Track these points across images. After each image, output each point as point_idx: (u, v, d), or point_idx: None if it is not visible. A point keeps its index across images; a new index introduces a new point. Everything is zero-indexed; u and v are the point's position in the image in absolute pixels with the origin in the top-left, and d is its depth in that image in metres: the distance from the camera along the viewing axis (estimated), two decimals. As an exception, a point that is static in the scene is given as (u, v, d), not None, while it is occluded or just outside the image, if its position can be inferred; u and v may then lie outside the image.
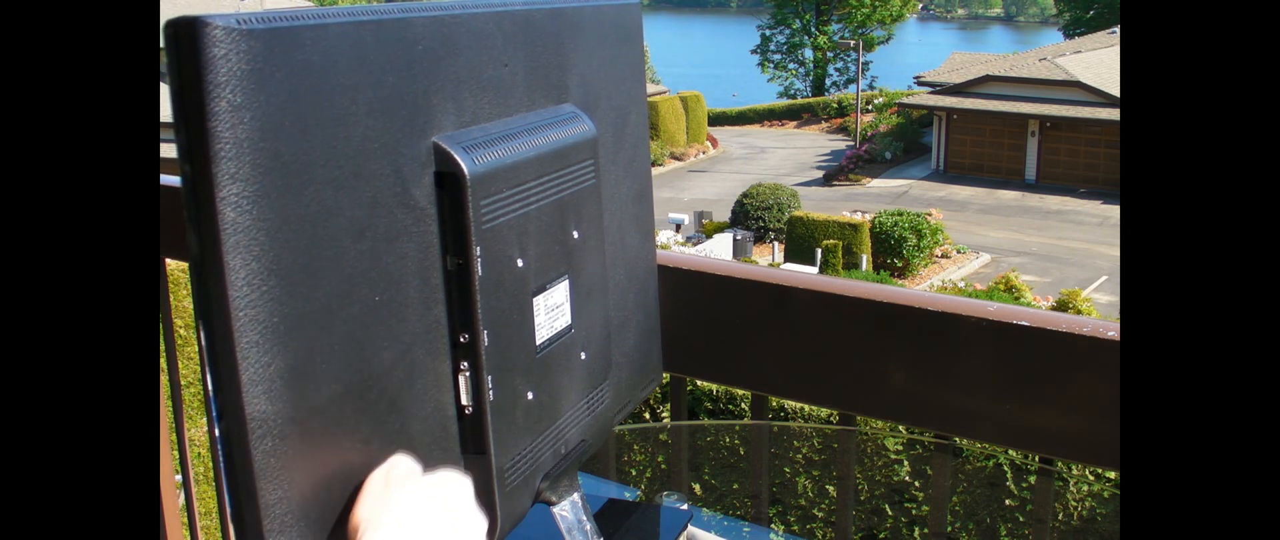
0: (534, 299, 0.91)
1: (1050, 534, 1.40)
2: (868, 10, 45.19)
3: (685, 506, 1.24)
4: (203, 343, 0.67)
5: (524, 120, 0.92)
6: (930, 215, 23.39)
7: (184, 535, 2.14)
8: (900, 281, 20.88)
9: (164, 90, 0.57)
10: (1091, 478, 6.35)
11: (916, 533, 6.60)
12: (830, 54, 46.80)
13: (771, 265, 8.55)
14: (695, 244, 22.63)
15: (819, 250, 21.20)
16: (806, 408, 5.95)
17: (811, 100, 43.31)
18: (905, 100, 34.50)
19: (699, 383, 6.52)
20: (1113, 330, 1.13)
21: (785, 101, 44.51)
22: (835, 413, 1.40)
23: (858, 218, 22.80)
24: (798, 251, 21.69)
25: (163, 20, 0.65)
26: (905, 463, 6.65)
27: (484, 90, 0.88)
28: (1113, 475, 6.07)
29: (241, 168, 0.65)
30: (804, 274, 1.37)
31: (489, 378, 0.85)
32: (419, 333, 0.81)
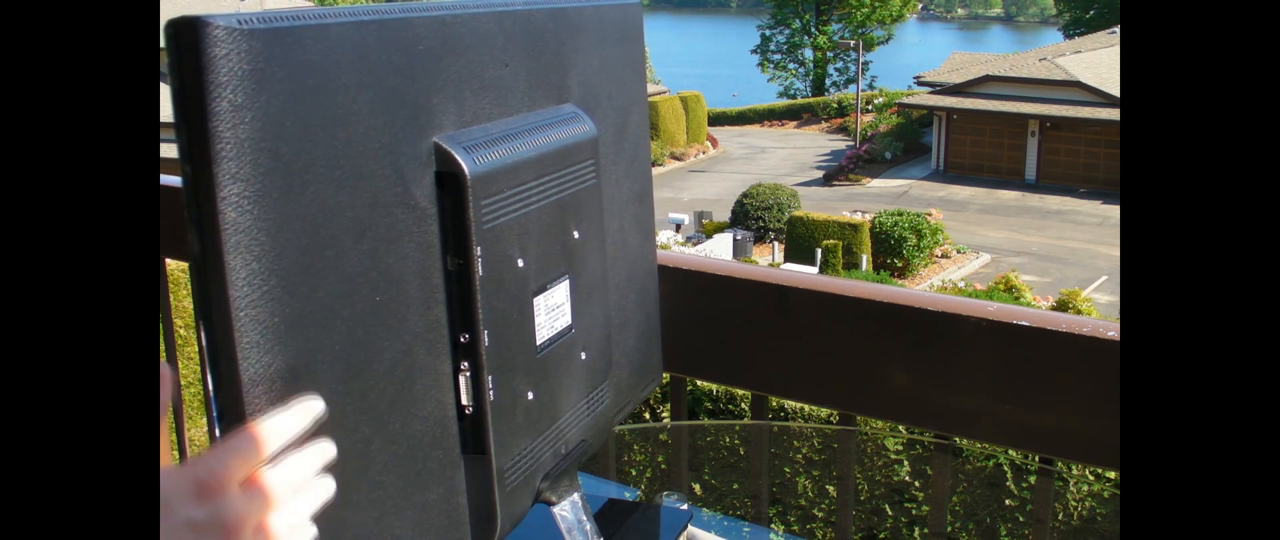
0: (534, 299, 0.91)
1: (1050, 534, 1.40)
2: (867, 10, 45.16)
3: (685, 506, 1.24)
4: (203, 343, 0.67)
5: (525, 120, 0.92)
6: (930, 215, 23.37)
7: (184, 535, 2.13)
8: (900, 281, 20.87)
9: (164, 90, 0.57)
10: (1091, 478, 6.35)
11: (916, 533, 6.59)
12: (830, 54, 46.77)
13: (771, 265, 8.54)
14: (695, 244, 22.62)
15: (819, 250, 21.19)
16: (806, 408, 5.95)
17: (811, 100, 43.29)
18: (905, 100, 34.48)
19: (699, 383, 6.52)
20: (1113, 330, 1.13)
21: (785, 101, 44.49)
22: (835, 413, 1.40)
23: (858, 218, 22.79)
24: (798, 251, 21.68)
25: (163, 20, 0.65)
26: (905, 463, 6.65)
27: (485, 90, 0.88)
28: (1113, 475, 6.07)
29: (242, 168, 0.65)
30: (804, 274, 1.37)
31: (489, 378, 0.85)
32: (419, 333, 0.81)
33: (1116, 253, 19.85)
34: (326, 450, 0.72)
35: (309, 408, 0.70)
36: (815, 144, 37.23)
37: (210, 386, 0.68)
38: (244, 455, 0.67)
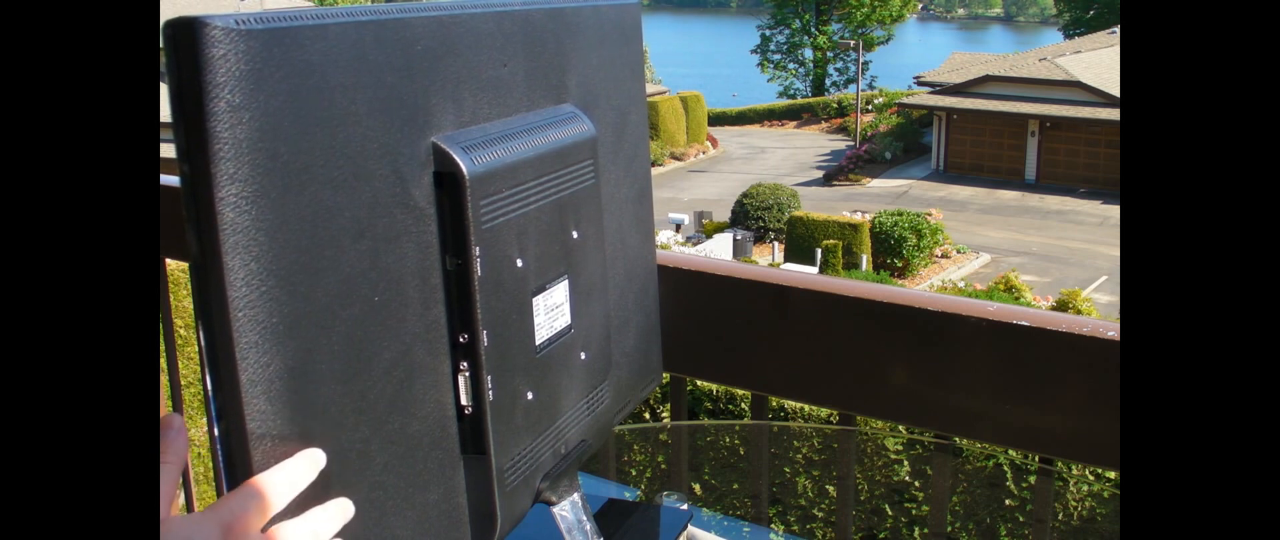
0: (533, 299, 0.91)
1: (1050, 534, 1.40)
2: (867, 10, 45.16)
3: (685, 506, 1.24)
4: (202, 343, 0.67)
5: (523, 120, 0.92)
6: (930, 215, 23.37)
7: (184, 535, 2.13)
8: (900, 281, 20.87)
9: (164, 90, 0.57)
10: (1091, 478, 6.35)
11: (916, 533, 6.59)
12: (830, 54, 46.78)
13: (771, 265, 8.54)
14: (695, 244, 22.62)
15: (819, 250, 21.19)
16: (806, 408, 5.95)
17: (811, 100, 43.29)
18: (905, 100, 34.47)
19: (699, 383, 6.52)
20: (1113, 330, 1.13)
21: (785, 101, 44.50)
22: (835, 413, 1.40)
23: (858, 218, 22.78)
24: (798, 251, 21.68)
25: (163, 20, 0.65)
26: (905, 463, 6.65)
27: (483, 90, 0.87)
28: (1113, 475, 6.07)
29: (240, 168, 0.65)
30: (804, 274, 1.37)
31: (489, 378, 0.85)
32: (418, 333, 0.81)
33: (1116, 253, 19.85)
34: (346, 508, 0.75)
35: (313, 459, 0.72)
36: (815, 144, 37.23)
37: (209, 387, 0.68)
38: (259, 502, 0.70)
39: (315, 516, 0.73)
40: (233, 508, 0.69)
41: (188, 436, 0.69)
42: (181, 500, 2.11)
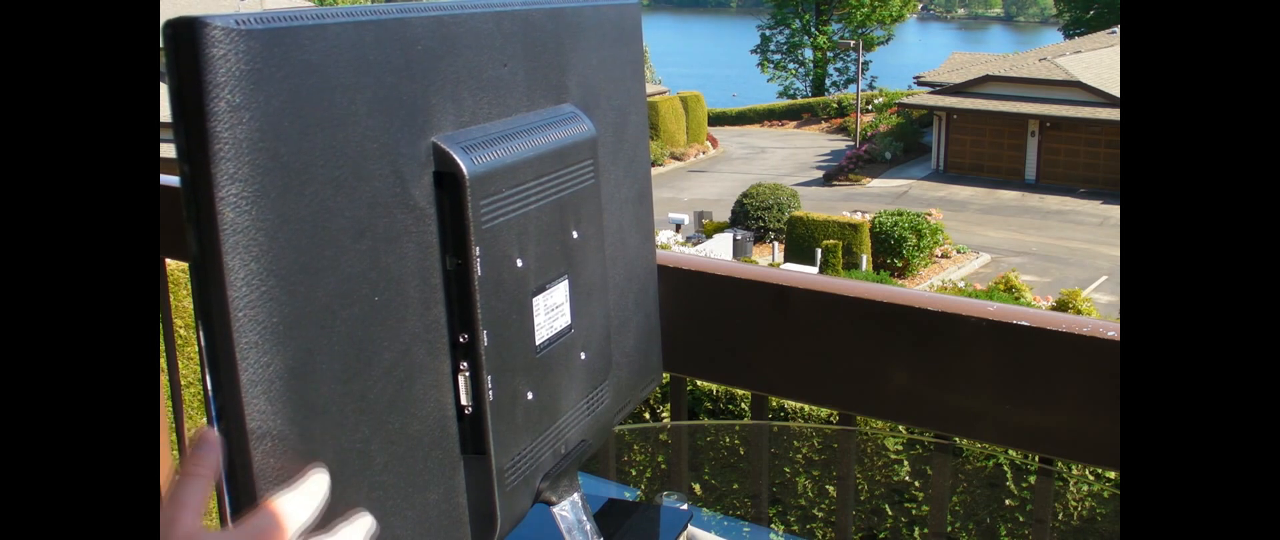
0: (534, 299, 0.91)
1: (1050, 534, 1.40)
2: (867, 10, 45.17)
3: (685, 506, 1.24)
4: (202, 343, 0.67)
5: (523, 120, 0.92)
6: (930, 215, 23.37)
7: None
8: (900, 281, 20.87)
9: (164, 90, 0.57)
10: (1091, 478, 6.35)
11: (916, 533, 6.59)
12: (830, 54, 46.80)
13: (771, 265, 8.54)
14: (695, 244, 22.62)
15: (819, 250, 21.19)
16: (806, 408, 5.95)
17: (811, 100, 43.30)
18: (905, 100, 34.48)
19: (699, 383, 6.52)
20: (1113, 330, 1.13)
21: (785, 101, 44.50)
22: (835, 413, 1.40)
23: (858, 218, 22.79)
24: (798, 251, 21.68)
25: (163, 20, 0.65)
26: (905, 463, 6.65)
27: (483, 90, 0.87)
28: (1113, 475, 6.07)
29: (241, 168, 0.65)
30: (804, 274, 1.37)
31: (489, 378, 0.85)
32: (418, 333, 0.81)
33: (1116, 253, 19.85)
34: (367, 523, 0.75)
35: (320, 481, 0.72)
36: (815, 144, 37.23)
37: (209, 387, 0.68)
38: (285, 520, 0.70)
39: (343, 533, 0.73)
40: (256, 522, 0.69)
41: (221, 452, 0.69)
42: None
